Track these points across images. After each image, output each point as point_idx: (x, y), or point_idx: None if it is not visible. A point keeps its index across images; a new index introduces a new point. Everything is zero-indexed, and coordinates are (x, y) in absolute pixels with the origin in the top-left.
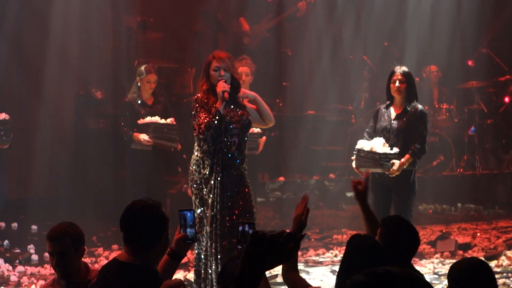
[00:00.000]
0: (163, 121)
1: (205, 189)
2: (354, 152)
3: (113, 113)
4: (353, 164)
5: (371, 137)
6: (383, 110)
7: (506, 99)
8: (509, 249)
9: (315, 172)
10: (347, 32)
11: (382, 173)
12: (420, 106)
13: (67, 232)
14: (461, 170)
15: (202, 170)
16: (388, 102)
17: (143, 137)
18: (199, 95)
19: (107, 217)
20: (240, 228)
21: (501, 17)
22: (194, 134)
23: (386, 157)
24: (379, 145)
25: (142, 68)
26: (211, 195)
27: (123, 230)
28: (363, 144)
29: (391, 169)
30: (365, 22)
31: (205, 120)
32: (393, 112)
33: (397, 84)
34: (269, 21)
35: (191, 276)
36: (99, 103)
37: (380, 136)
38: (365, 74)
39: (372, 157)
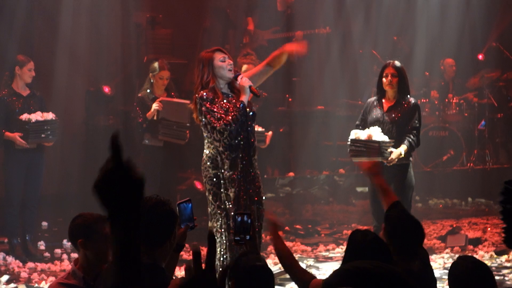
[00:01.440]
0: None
1: (225, 186)
2: (348, 143)
3: (123, 110)
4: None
5: (362, 129)
6: (375, 103)
7: None
8: None
9: (325, 167)
10: (357, 27)
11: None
12: (413, 100)
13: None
14: (472, 164)
15: (220, 167)
16: (378, 95)
17: (155, 105)
18: (204, 93)
19: None
20: (239, 219)
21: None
22: (216, 128)
23: (385, 145)
24: (376, 133)
25: (156, 64)
26: (234, 189)
27: None
28: (359, 134)
29: (389, 158)
30: (375, 16)
31: (231, 115)
32: (385, 105)
33: (389, 78)
34: (273, 34)
35: None
36: (109, 99)
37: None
38: (375, 68)
39: (370, 146)
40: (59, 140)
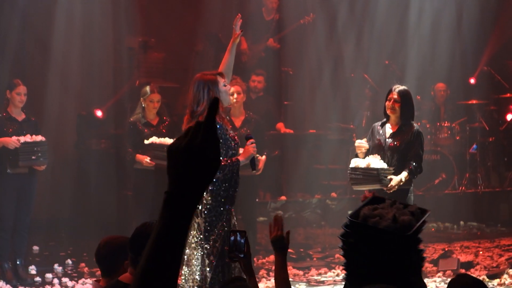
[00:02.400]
0: (167, 139)
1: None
2: (348, 171)
3: (114, 133)
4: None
5: (366, 155)
6: (379, 127)
7: (508, 117)
8: (511, 267)
9: (317, 191)
10: (348, 51)
11: (378, 192)
12: (416, 126)
13: None
14: (463, 188)
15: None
16: (384, 120)
17: (145, 159)
18: (218, 120)
19: None
20: (233, 238)
21: (501, 34)
22: (223, 162)
23: (384, 172)
24: (375, 161)
25: (147, 88)
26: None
27: (132, 252)
28: (358, 162)
29: (389, 185)
30: (366, 40)
31: (226, 162)
32: (388, 130)
33: (391, 103)
34: (265, 41)
35: None
36: (100, 123)
37: (374, 153)
38: (366, 92)
39: (369, 173)
40: (50, 164)
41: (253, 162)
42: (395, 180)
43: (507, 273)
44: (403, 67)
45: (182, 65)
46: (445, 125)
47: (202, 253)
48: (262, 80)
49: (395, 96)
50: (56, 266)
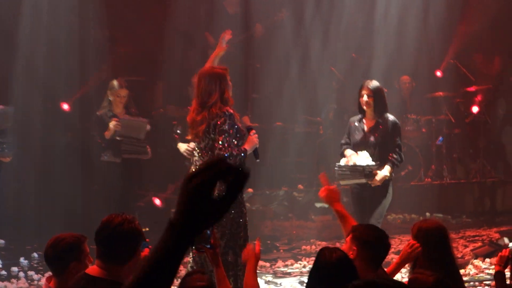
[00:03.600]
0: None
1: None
2: (336, 168)
3: (81, 127)
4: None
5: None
6: (356, 124)
7: (473, 109)
8: (476, 258)
9: (283, 183)
10: (315, 44)
11: (362, 185)
12: (391, 117)
13: None
14: (429, 179)
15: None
16: (359, 116)
17: (112, 123)
18: (229, 109)
19: (75, 231)
20: None
21: (467, 27)
22: (235, 151)
23: (370, 168)
24: (362, 158)
25: (114, 82)
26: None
27: (98, 244)
28: (345, 161)
29: (373, 180)
30: (333, 34)
31: (230, 150)
32: (366, 125)
33: (365, 98)
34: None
35: None
36: (67, 116)
37: (356, 150)
38: (334, 85)
39: (355, 169)
40: (15, 157)
41: (256, 152)
42: (380, 175)
43: (472, 264)
44: (370, 60)
45: (149, 59)
46: (412, 117)
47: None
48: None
49: (368, 92)
50: (22, 259)
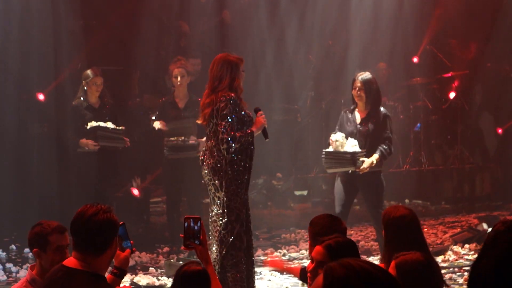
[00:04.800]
0: (110, 124)
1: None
2: (322, 156)
3: (56, 117)
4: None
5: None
6: (348, 114)
7: (450, 95)
8: (455, 244)
9: (262, 171)
10: (291, 31)
11: (352, 174)
12: (383, 110)
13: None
14: (407, 166)
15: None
16: (352, 107)
17: (89, 143)
18: (232, 94)
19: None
20: (186, 224)
21: (443, 13)
22: (221, 135)
23: (357, 155)
24: (349, 145)
25: (88, 71)
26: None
27: (74, 235)
28: (333, 148)
29: (361, 167)
30: (309, 21)
31: (240, 133)
32: (358, 117)
33: (357, 90)
34: (203, 24)
35: (138, 279)
36: (42, 107)
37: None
38: (310, 72)
39: (343, 157)
40: None
41: (265, 132)
42: (367, 162)
43: (451, 250)
44: (346, 47)
45: (123, 48)
46: (389, 103)
47: (218, 228)
48: (199, 62)
49: (359, 84)
50: None
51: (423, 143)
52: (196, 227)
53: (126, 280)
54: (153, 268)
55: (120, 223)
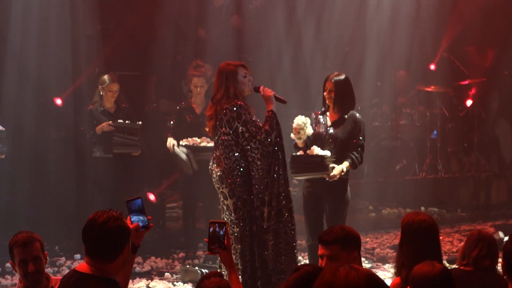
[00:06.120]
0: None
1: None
2: (288, 160)
3: (74, 122)
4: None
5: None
6: (319, 117)
7: (467, 103)
8: None
9: None
10: (308, 38)
11: (315, 181)
12: (357, 115)
13: (35, 238)
14: (424, 174)
15: (252, 175)
16: (323, 109)
17: (105, 124)
18: (241, 102)
19: (69, 226)
20: (211, 229)
21: (460, 20)
22: (257, 138)
23: (328, 160)
24: (317, 149)
25: (105, 77)
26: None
27: (85, 242)
28: (295, 136)
29: (331, 174)
30: (325, 27)
31: (268, 124)
32: (328, 119)
33: (327, 92)
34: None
35: (153, 284)
36: (60, 112)
37: (314, 143)
38: None
39: (312, 161)
40: (9, 153)
41: (277, 98)
42: (337, 169)
43: None
44: (363, 54)
45: (141, 53)
46: (406, 111)
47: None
48: (210, 67)
49: (331, 85)
50: None
51: (439, 150)
52: (221, 232)
53: (142, 285)
54: (168, 274)
55: (136, 197)
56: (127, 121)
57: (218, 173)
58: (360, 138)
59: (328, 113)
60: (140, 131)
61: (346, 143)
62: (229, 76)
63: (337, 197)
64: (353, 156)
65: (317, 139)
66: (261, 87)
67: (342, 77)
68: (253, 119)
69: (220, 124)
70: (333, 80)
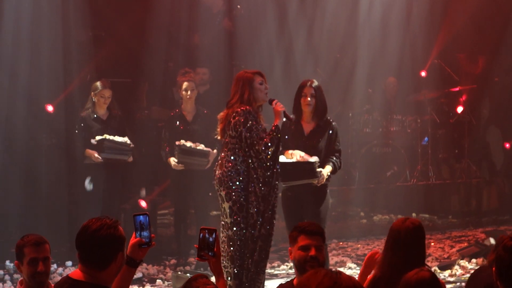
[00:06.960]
0: (117, 138)
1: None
2: (278, 166)
3: (65, 128)
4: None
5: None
6: (292, 126)
7: (458, 109)
8: (462, 259)
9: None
10: (299, 43)
11: (296, 187)
12: (331, 120)
13: (45, 240)
14: (415, 180)
15: (251, 181)
16: (292, 116)
17: (94, 154)
18: (249, 108)
19: (60, 233)
20: (201, 235)
21: (451, 27)
22: (256, 147)
23: (318, 166)
24: (301, 153)
25: (97, 83)
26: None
27: (78, 248)
28: (288, 159)
29: (320, 179)
30: (317, 33)
31: (269, 136)
32: (305, 129)
33: (308, 98)
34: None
35: None
36: (51, 118)
37: (288, 150)
38: None
39: (303, 167)
40: (0, 159)
41: (286, 115)
42: (325, 172)
43: (458, 264)
44: (354, 61)
45: (132, 59)
46: (396, 117)
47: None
48: (207, 72)
49: (312, 91)
50: (7, 262)
51: (430, 157)
52: (211, 239)
53: None
54: (160, 280)
55: (143, 213)
56: (117, 140)
57: (218, 176)
58: (337, 144)
59: (301, 121)
60: (129, 143)
61: (326, 149)
62: (245, 82)
63: (319, 202)
64: (334, 161)
65: (297, 147)
66: (275, 101)
67: (318, 83)
68: (259, 127)
69: (228, 127)
70: (313, 86)
